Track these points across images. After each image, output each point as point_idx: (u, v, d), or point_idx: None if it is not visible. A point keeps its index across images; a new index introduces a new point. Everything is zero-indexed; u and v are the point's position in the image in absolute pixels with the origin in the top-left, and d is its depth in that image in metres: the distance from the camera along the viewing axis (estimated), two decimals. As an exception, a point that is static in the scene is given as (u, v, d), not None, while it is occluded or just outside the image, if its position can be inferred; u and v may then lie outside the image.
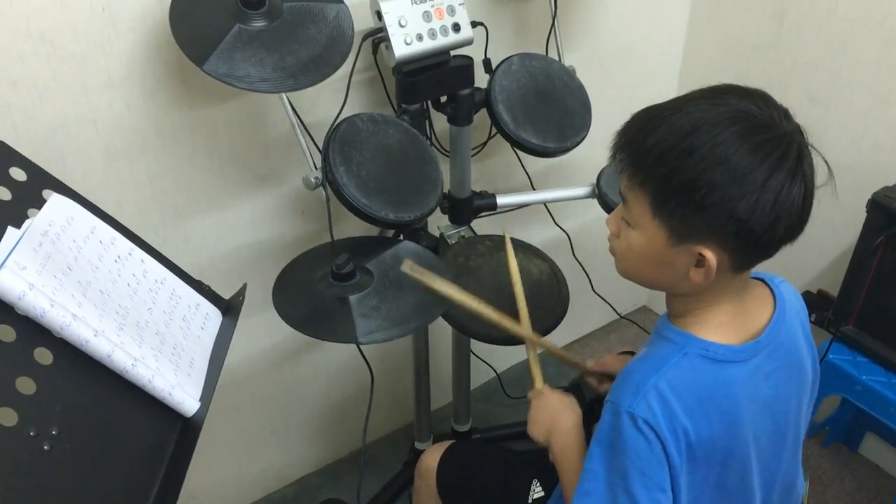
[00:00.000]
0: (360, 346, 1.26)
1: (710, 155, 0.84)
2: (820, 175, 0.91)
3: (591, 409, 1.30)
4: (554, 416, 1.15)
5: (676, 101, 0.90)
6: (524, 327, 1.28)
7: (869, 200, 1.53)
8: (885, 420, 1.60)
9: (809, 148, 0.89)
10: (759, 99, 0.88)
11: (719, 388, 0.94)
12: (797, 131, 0.88)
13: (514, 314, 1.29)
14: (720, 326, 0.96)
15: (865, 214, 1.55)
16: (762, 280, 1.05)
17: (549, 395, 1.19)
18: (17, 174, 0.99)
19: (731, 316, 0.97)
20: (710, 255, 0.88)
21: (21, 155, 1.01)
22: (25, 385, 0.82)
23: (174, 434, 0.94)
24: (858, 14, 1.63)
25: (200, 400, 0.98)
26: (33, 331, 0.84)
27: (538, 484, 1.28)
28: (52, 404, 0.83)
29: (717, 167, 0.84)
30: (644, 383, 0.92)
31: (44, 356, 0.85)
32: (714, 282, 0.92)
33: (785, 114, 0.89)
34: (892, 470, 1.96)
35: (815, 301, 1.82)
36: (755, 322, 0.99)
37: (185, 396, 0.95)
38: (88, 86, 1.23)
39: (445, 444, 1.41)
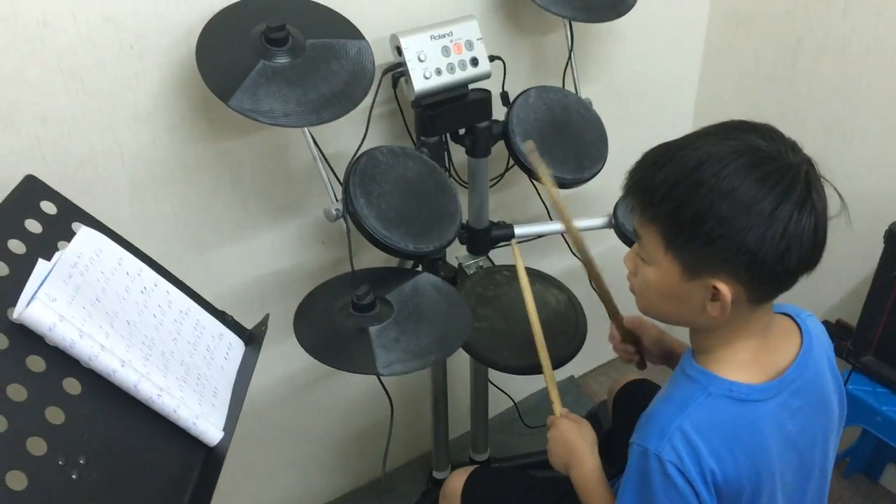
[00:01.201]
0: (381, 378, 1.27)
1: (716, 188, 0.86)
2: (834, 206, 0.92)
3: (609, 438, 1.31)
4: (570, 449, 1.16)
5: (685, 139, 0.92)
6: (536, 328, 1.28)
7: (886, 231, 1.53)
8: (906, 451, 1.59)
9: (821, 179, 0.90)
10: (766, 132, 0.90)
11: (744, 427, 0.94)
12: (806, 162, 0.89)
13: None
14: (744, 364, 0.96)
15: (883, 245, 1.56)
16: (788, 315, 1.04)
17: (564, 427, 1.19)
18: (48, 207, 1.02)
19: (756, 352, 0.97)
20: (725, 288, 0.89)
21: (51, 188, 1.04)
22: (55, 415, 0.83)
23: (198, 463, 0.95)
24: (873, 45, 1.64)
25: (224, 429, 0.99)
26: (62, 361, 0.86)
27: (563, 510, 1.28)
28: (80, 434, 0.85)
29: (723, 199, 0.86)
30: (669, 425, 0.92)
31: (72, 386, 0.86)
32: (734, 316, 0.93)
33: (792, 146, 0.90)
34: (914, 502, 1.94)
35: (834, 331, 1.82)
36: (781, 358, 0.98)
37: (209, 426, 0.96)
38: (116, 120, 1.26)
39: (470, 469, 1.41)
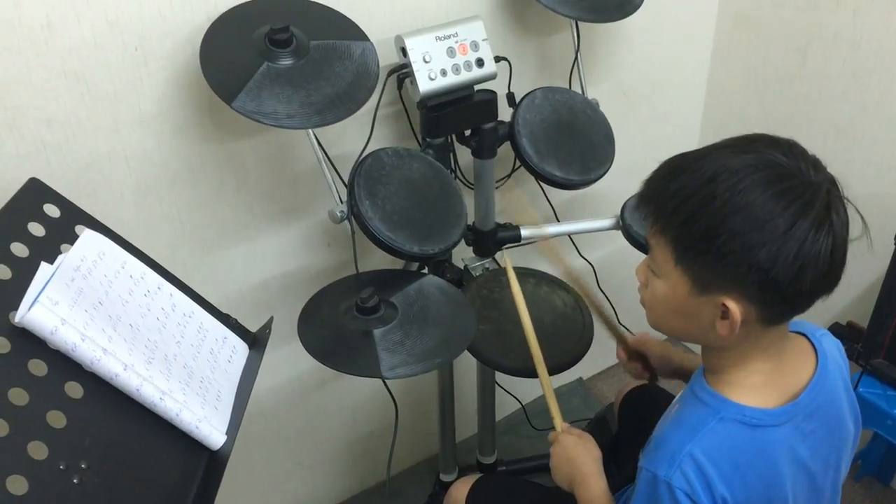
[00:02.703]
0: (385, 381, 1.27)
1: (730, 201, 0.83)
2: (856, 228, 0.89)
3: (617, 441, 1.30)
4: (573, 467, 1.14)
5: (702, 150, 0.90)
6: (531, 339, 1.28)
7: (897, 233, 1.52)
8: (917, 455, 1.58)
9: (844, 200, 0.87)
10: (788, 148, 0.87)
11: (756, 452, 0.91)
12: (828, 181, 0.86)
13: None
14: (757, 387, 0.93)
15: (894, 247, 1.54)
16: (803, 334, 1.01)
17: (567, 443, 1.17)
18: (51, 210, 1.02)
19: (769, 375, 0.94)
20: (734, 307, 0.87)
21: (54, 191, 1.04)
22: (56, 419, 0.83)
23: (201, 467, 0.95)
24: (883, 46, 1.63)
25: (227, 433, 0.99)
26: (64, 365, 0.86)
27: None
28: (82, 438, 0.84)
29: (737, 214, 0.83)
30: (679, 451, 0.90)
31: (74, 390, 0.86)
32: (745, 336, 0.90)
33: (815, 164, 0.86)
34: (926, 505, 1.92)
35: (845, 333, 1.80)
36: (795, 381, 0.95)
37: (211, 430, 0.96)
38: (120, 123, 1.26)
39: (474, 477, 1.40)
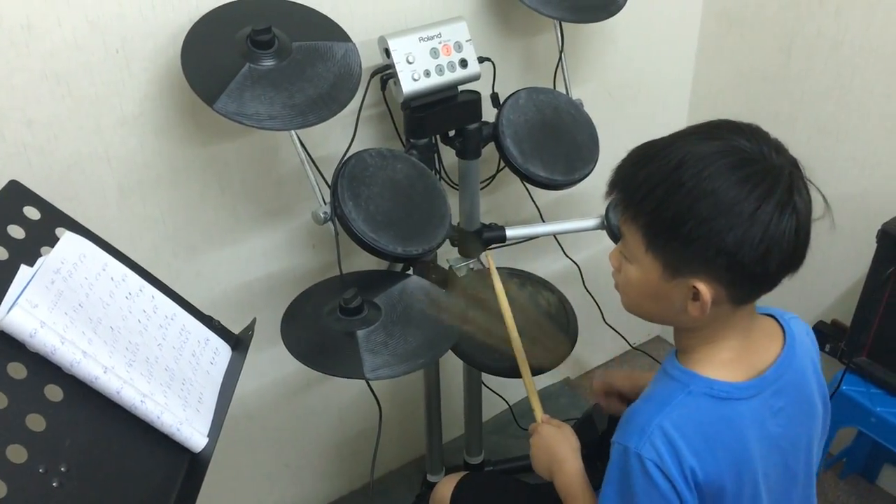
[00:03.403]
0: (369, 382, 1.27)
1: (697, 188, 0.86)
2: (819, 209, 0.91)
3: (604, 440, 1.30)
4: (551, 454, 1.16)
5: (668, 137, 0.92)
6: (512, 333, 1.30)
7: (879, 231, 1.52)
8: (900, 452, 1.59)
9: (805, 181, 0.89)
10: (751, 133, 0.89)
11: (725, 425, 0.93)
12: (790, 164, 0.89)
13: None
14: (725, 364, 0.96)
15: (876, 245, 1.55)
16: (772, 316, 1.04)
17: (544, 432, 1.19)
18: (31, 213, 1.01)
19: (737, 352, 0.96)
20: (705, 289, 0.89)
21: (34, 194, 1.03)
22: (35, 422, 0.83)
23: (182, 470, 0.95)
24: (866, 44, 1.64)
25: (208, 435, 0.99)
26: (44, 368, 0.85)
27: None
28: (62, 441, 0.84)
29: (704, 200, 0.85)
30: (649, 424, 0.92)
31: (54, 393, 0.86)
32: (716, 316, 0.93)
33: (777, 147, 0.89)
34: (910, 502, 1.93)
35: (829, 331, 1.81)
36: (762, 358, 0.98)
37: (193, 432, 0.96)
38: (102, 124, 1.25)
39: (460, 475, 1.41)
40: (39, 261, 0.94)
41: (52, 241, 0.99)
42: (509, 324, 1.30)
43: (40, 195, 1.03)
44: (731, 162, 0.86)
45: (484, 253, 1.49)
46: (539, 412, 1.24)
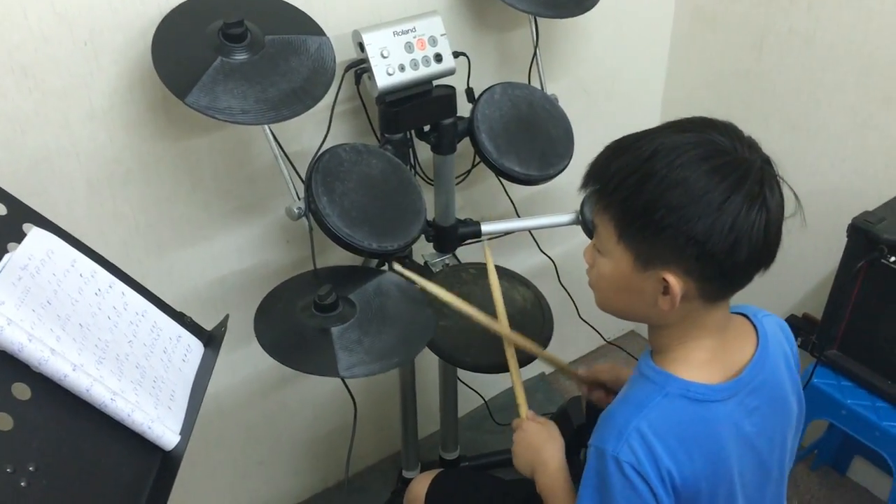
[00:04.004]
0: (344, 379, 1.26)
1: (668, 177, 0.86)
2: (791, 207, 0.92)
3: (580, 435, 1.30)
4: (535, 452, 1.15)
5: (644, 131, 0.93)
6: (503, 326, 1.29)
7: (849, 225, 1.54)
8: (870, 444, 1.60)
9: (777, 179, 0.90)
10: (725, 129, 0.90)
11: (701, 427, 0.93)
12: (761, 160, 0.89)
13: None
14: (701, 364, 0.96)
15: (846, 239, 1.56)
16: (745, 315, 1.04)
17: (529, 429, 1.19)
18: (-3, 208, 0.99)
19: (712, 352, 0.97)
20: (675, 281, 0.89)
21: (1, 188, 1.01)
22: (3, 421, 0.81)
23: (153, 468, 0.93)
24: (836, 41, 1.65)
25: (180, 433, 0.97)
26: (11, 366, 0.83)
27: (525, 516, 1.27)
28: (30, 440, 0.82)
29: (674, 189, 0.86)
30: (626, 426, 0.92)
31: (21, 391, 0.84)
32: (687, 314, 0.93)
33: (750, 144, 0.90)
34: (879, 493, 1.95)
35: (801, 325, 1.83)
36: (737, 358, 0.98)
37: (164, 430, 0.94)
38: (71, 118, 1.23)
39: (434, 473, 1.40)
40: (6, 257, 0.92)
41: (19, 236, 0.97)
42: (501, 316, 1.30)
43: (7, 190, 1.01)
44: (702, 153, 0.87)
45: (483, 243, 1.48)
46: (524, 408, 1.23)
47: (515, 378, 1.27)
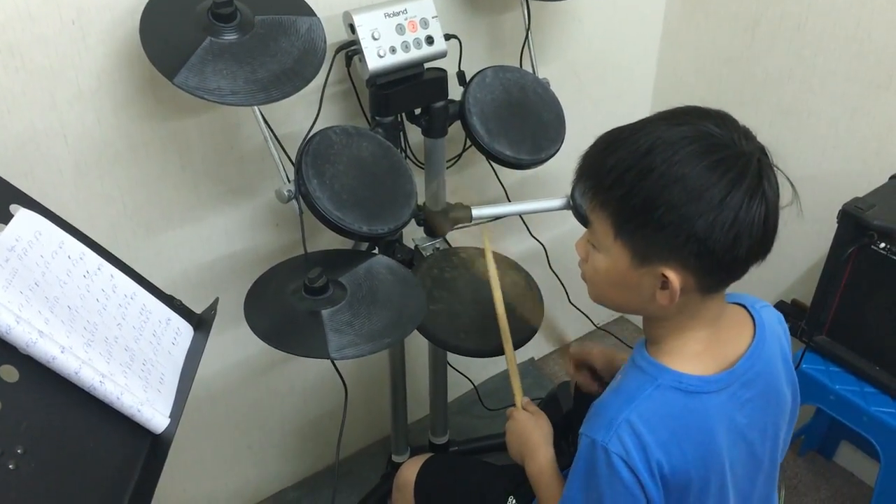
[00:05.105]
0: (334, 362, 1.25)
1: (667, 174, 0.85)
2: (786, 195, 0.91)
3: (568, 420, 1.31)
4: (524, 443, 1.16)
5: (637, 123, 0.91)
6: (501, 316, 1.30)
7: (840, 211, 1.54)
8: (857, 429, 1.61)
9: (773, 168, 0.89)
10: (719, 119, 0.89)
11: (693, 419, 0.93)
12: (758, 150, 0.88)
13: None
14: (695, 355, 0.95)
15: (836, 225, 1.57)
16: (742, 305, 1.03)
17: (520, 419, 1.20)
18: (-17, 189, 0.98)
19: (707, 344, 0.96)
20: (674, 277, 0.88)
21: (-13, 170, 1.00)
22: (-9, 404, 0.81)
23: (143, 451, 0.93)
24: (828, 27, 1.65)
25: (170, 416, 0.97)
26: (-1, 348, 0.83)
27: (514, 500, 1.27)
28: (18, 423, 0.82)
29: (674, 186, 0.84)
30: (616, 417, 0.91)
31: (9, 374, 0.83)
32: (684, 306, 0.92)
33: (745, 134, 0.89)
34: (866, 478, 1.97)
35: (790, 310, 1.83)
36: (733, 349, 0.97)
37: (154, 413, 0.94)
38: (58, 99, 1.22)
39: (424, 457, 1.41)
40: (-7, 238, 0.91)
41: (7, 217, 0.96)
42: (498, 301, 1.30)
43: (-7, 171, 1.00)
44: (700, 147, 0.85)
45: (481, 226, 1.48)
46: (519, 395, 1.24)
47: (512, 367, 1.27)
